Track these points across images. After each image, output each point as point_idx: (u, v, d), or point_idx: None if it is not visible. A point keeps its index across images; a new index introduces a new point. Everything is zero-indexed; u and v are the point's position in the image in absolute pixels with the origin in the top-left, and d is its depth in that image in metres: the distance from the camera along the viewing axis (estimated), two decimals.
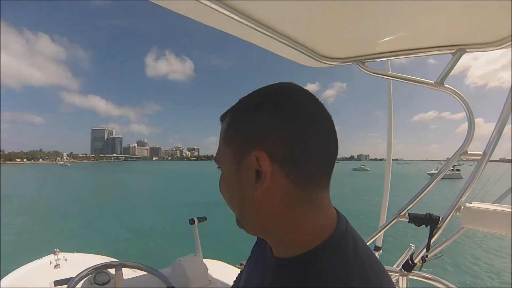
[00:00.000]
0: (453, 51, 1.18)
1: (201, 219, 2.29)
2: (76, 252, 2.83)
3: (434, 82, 1.26)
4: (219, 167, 0.51)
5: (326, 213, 0.46)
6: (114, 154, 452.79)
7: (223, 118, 0.50)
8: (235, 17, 0.94)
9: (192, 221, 2.26)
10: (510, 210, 1.37)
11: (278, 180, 0.42)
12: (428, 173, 50.99)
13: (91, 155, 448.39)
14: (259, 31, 1.04)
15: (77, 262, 2.59)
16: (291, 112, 0.43)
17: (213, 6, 0.87)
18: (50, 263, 2.53)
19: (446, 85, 1.26)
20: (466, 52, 1.16)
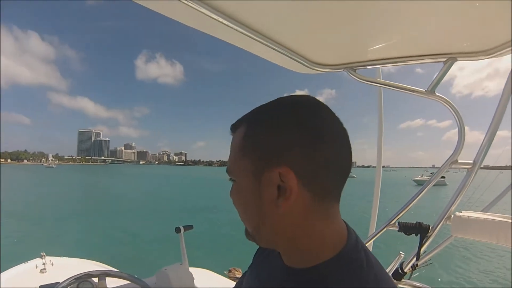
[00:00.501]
0: (444, 59, 1.17)
1: (187, 228, 2.25)
2: (63, 257, 2.75)
3: (425, 91, 1.25)
4: (231, 179, 0.50)
5: (338, 224, 0.47)
6: (101, 157, 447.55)
7: (235, 127, 0.50)
8: (226, 23, 0.91)
9: (178, 230, 2.21)
10: (498, 219, 1.37)
11: (300, 195, 0.42)
12: (413, 180, 51.58)
13: (77, 158, 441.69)
14: (249, 37, 1.02)
15: (64, 267, 2.54)
16: (313, 126, 0.43)
17: (203, 10, 0.84)
18: (36, 267, 2.49)
19: (437, 94, 1.25)
20: (457, 60, 1.16)
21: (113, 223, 15.71)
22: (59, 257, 2.69)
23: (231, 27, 0.93)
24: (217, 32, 1.03)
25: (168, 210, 20.98)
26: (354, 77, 1.27)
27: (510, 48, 1.07)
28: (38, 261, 2.52)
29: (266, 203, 0.44)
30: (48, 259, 2.54)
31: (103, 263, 2.73)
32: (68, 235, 12.90)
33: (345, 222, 0.50)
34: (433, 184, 1.47)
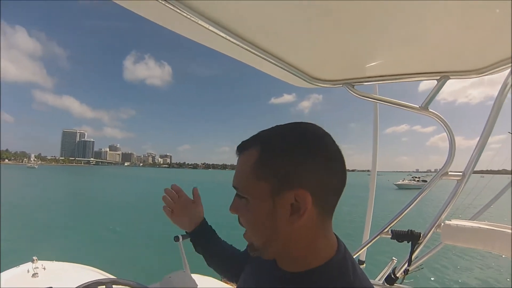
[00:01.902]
0: (438, 77, 1.22)
1: (186, 236, 2.26)
2: (56, 261, 2.71)
3: (419, 107, 1.31)
4: (242, 197, 0.53)
5: (331, 237, 0.55)
6: (85, 158, 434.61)
7: (243, 148, 0.55)
8: (228, 37, 0.93)
9: (176, 239, 2.23)
10: (486, 227, 1.45)
11: (311, 213, 0.49)
12: (395, 184, 52.43)
13: (61, 158, 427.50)
14: (251, 52, 1.04)
15: (56, 271, 2.50)
16: (323, 153, 0.49)
17: (205, 25, 0.85)
18: (28, 271, 2.43)
19: (430, 110, 1.31)
20: (450, 78, 1.21)
21: (102, 226, 15.30)
22: (51, 262, 2.64)
23: (233, 42, 0.95)
24: (220, 46, 1.06)
25: (157, 214, 20.65)
26: (352, 93, 1.32)
27: (500, 68, 1.13)
28: (29, 266, 2.46)
29: (280, 221, 0.50)
30: (40, 263, 2.49)
31: (95, 267, 2.72)
32: (56, 239, 12.47)
33: (335, 235, 0.57)
34: (425, 194, 1.53)
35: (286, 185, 0.48)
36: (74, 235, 13.37)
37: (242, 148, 0.55)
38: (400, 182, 53.86)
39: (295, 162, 0.48)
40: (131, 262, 9.41)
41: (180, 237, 2.25)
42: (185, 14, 0.80)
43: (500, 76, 1.17)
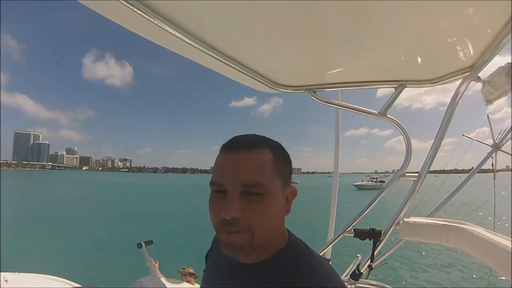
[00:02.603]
0: (396, 85, 1.27)
1: (148, 243, 2.28)
2: (18, 272, 2.55)
3: (378, 112, 1.35)
4: (254, 194, 0.55)
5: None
6: (40, 162, 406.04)
7: (253, 146, 0.58)
8: (190, 42, 0.91)
9: (139, 245, 2.23)
10: (441, 223, 1.54)
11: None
12: (353, 185, 54.05)
13: (13, 162, 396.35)
14: (214, 57, 1.02)
15: (20, 283, 2.36)
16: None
17: (166, 28, 0.83)
18: None
19: (388, 116, 1.36)
20: (407, 87, 1.26)
21: (60, 234, 14.50)
22: (13, 273, 2.49)
23: (195, 47, 0.93)
24: (182, 51, 1.03)
25: (114, 219, 19.67)
26: (314, 99, 1.34)
27: (452, 78, 1.21)
28: None
29: (282, 212, 0.60)
30: (2, 275, 2.35)
31: (59, 276, 2.60)
32: (15, 249, 11.44)
33: None
34: (385, 193, 1.59)
35: (288, 182, 0.60)
36: (34, 244, 12.46)
37: (250, 146, 0.57)
38: (359, 183, 55.50)
39: (289, 163, 0.63)
40: (93, 268, 9.06)
41: (143, 244, 2.24)
42: (147, 17, 0.77)
43: (452, 84, 1.24)
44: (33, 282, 2.45)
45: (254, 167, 0.55)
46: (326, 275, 0.56)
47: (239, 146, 0.57)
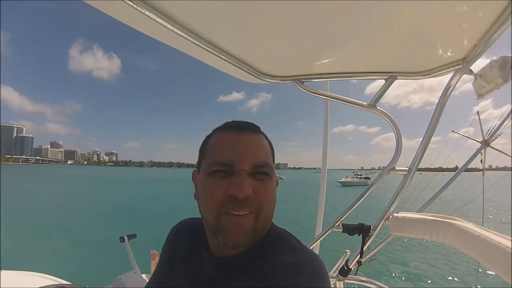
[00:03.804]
0: (386, 77, 1.24)
1: (131, 237, 2.22)
2: (4, 270, 2.50)
3: (368, 104, 1.32)
4: (263, 174, 0.56)
5: None
6: (23, 156, 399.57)
7: (256, 131, 0.60)
8: (175, 30, 0.88)
9: (122, 239, 2.17)
10: (430, 218, 1.52)
11: None
12: (338, 181, 54.08)
13: None
14: (199, 45, 0.99)
15: (6, 281, 2.31)
16: None
17: (152, 16, 0.80)
18: None
19: (378, 108, 1.32)
20: (397, 78, 1.23)
21: (48, 231, 14.28)
22: None
23: (180, 35, 0.90)
24: (169, 40, 1.00)
25: (100, 215, 19.62)
26: (302, 89, 1.30)
27: (444, 71, 1.18)
28: None
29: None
30: None
31: (45, 273, 2.55)
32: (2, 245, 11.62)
33: None
34: (373, 188, 1.57)
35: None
36: (18, 241, 12.19)
37: (254, 130, 0.60)
38: (343, 179, 55.60)
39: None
40: (77, 265, 8.96)
41: (126, 237, 2.19)
42: (131, 4, 0.75)
43: (439, 83, 1.21)
44: (20, 279, 2.41)
45: (263, 149, 0.58)
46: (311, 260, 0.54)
47: (246, 128, 0.58)
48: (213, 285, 0.57)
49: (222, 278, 0.57)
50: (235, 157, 0.54)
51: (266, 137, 0.62)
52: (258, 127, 0.61)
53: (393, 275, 8.74)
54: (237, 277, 0.54)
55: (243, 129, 0.58)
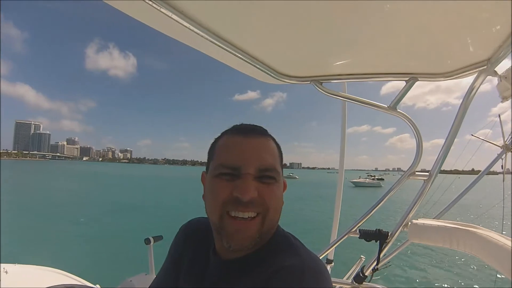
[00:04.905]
0: (406, 78, 1.21)
1: (157, 238, 2.19)
2: (18, 264, 2.57)
3: (388, 106, 1.29)
4: (270, 177, 0.56)
5: None
6: (41, 152, 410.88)
7: (263, 134, 0.60)
8: (198, 31, 0.89)
9: (148, 241, 2.14)
10: (450, 225, 1.46)
11: None
12: (351, 182, 53.37)
13: (13, 152, 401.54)
14: (220, 46, 0.99)
15: (19, 274, 2.38)
16: None
17: (175, 17, 0.81)
18: None
19: (398, 110, 1.30)
20: (418, 80, 1.20)
21: (63, 226, 14.58)
22: (13, 264, 2.50)
23: (201, 35, 0.91)
24: (188, 40, 1.01)
25: (122, 214, 19.82)
26: (320, 90, 1.28)
27: (466, 72, 1.14)
28: None
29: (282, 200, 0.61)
30: (1, 266, 2.37)
31: (59, 269, 2.60)
32: (16, 240, 11.64)
33: None
34: (393, 193, 1.53)
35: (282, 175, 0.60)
36: (33, 236, 12.61)
37: (262, 133, 0.60)
38: (356, 180, 54.77)
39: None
40: (95, 263, 9.00)
41: (152, 240, 2.17)
42: (151, 3, 0.75)
43: (455, 84, 1.18)
44: (33, 273, 2.45)
45: (269, 153, 0.58)
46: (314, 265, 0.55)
47: (254, 132, 0.59)
48: (218, 287, 0.59)
49: (228, 280, 0.58)
50: (241, 160, 0.55)
51: (274, 140, 0.62)
52: (266, 130, 0.62)
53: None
54: (242, 279, 0.56)
55: (250, 132, 0.58)
